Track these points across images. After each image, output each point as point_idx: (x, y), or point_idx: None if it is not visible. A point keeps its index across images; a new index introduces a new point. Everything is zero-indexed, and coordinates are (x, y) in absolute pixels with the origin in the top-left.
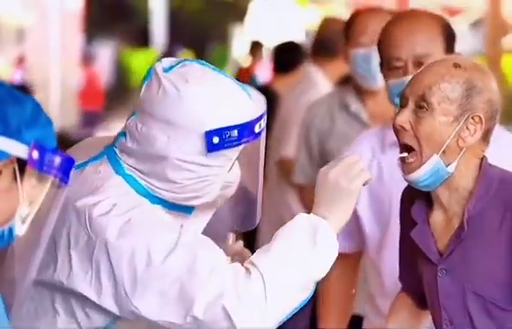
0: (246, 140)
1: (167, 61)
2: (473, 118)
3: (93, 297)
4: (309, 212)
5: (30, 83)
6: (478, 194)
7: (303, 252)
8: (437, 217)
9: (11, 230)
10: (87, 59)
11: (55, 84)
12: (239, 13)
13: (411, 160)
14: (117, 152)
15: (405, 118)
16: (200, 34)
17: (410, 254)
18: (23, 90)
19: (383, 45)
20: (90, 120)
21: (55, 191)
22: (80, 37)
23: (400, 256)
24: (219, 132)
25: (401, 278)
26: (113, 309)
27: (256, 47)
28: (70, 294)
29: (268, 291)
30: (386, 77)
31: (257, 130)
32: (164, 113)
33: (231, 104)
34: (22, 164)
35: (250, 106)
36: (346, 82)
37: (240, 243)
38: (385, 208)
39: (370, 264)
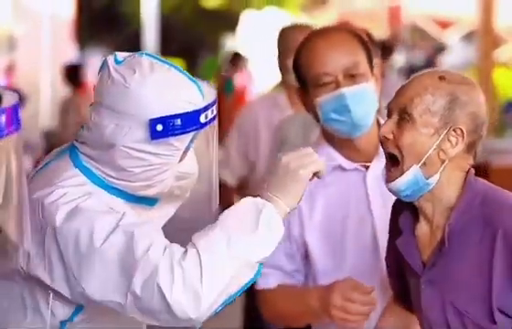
0: (190, 129)
1: (121, 55)
2: (454, 130)
3: (48, 281)
4: None
5: (20, 91)
6: (461, 208)
7: (244, 234)
8: (422, 228)
9: None
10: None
11: (45, 92)
12: (230, 23)
13: (392, 168)
14: (77, 144)
15: (388, 128)
16: (192, 43)
17: (400, 262)
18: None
19: (304, 64)
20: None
21: (12, 143)
22: (71, 45)
23: (389, 264)
24: (163, 119)
25: (392, 286)
26: (65, 292)
27: (237, 58)
28: (35, 286)
29: (204, 271)
30: (313, 96)
31: (203, 120)
32: (112, 102)
33: (176, 94)
34: None
35: (195, 96)
36: None
37: None
38: (337, 241)
39: None
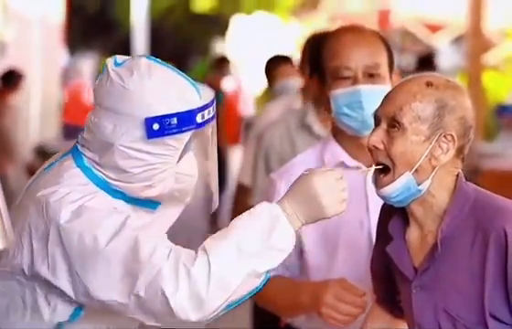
0: (187, 128)
1: (121, 58)
2: (445, 136)
3: (51, 279)
4: None
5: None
6: (452, 213)
7: (256, 245)
8: (413, 233)
9: None
10: (68, 73)
11: (36, 97)
12: (220, 27)
13: (382, 175)
14: (79, 146)
15: (378, 138)
16: (182, 47)
17: (386, 267)
18: None
19: (328, 55)
20: (72, 132)
21: None
22: (61, 50)
23: (374, 269)
24: (159, 119)
25: (376, 290)
26: (68, 290)
27: (223, 62)
28: (36, 285)
29: (212, 280)
30: (330, 87)
31: (199, 120)
32: (110, 103)
33: (172, 94)
34: None
35: (192, 97)
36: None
37: None
38: (331, 238)
39: None
